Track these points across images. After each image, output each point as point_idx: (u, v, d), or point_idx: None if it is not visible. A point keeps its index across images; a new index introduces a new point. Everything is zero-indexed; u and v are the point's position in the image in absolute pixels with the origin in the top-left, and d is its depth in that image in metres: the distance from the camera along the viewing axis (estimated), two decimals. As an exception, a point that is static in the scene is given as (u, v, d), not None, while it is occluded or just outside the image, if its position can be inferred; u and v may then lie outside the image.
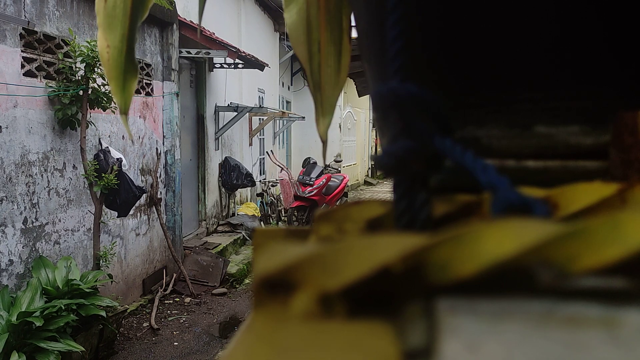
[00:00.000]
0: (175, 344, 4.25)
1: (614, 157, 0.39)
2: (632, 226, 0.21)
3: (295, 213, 8.15)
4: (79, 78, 3.84)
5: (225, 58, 6.75)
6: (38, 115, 3.62)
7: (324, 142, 0.60)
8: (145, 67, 5.09)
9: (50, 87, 3.70)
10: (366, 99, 16.03)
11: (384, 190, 14.98)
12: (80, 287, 3.42)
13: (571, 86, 0.42)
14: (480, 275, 0.21)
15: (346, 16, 0.56)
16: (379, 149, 11.99)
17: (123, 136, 4.69)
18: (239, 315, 4.94)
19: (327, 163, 9.50)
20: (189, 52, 6.01)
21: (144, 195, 4.90)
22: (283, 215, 8.80)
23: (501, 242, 0.22)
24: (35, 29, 3.55)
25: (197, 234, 6.87)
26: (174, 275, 5.48)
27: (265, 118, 9.06)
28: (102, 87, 3.90)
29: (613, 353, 0.18)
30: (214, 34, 6.47)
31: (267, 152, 9.66)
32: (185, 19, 5.90)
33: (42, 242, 3.67)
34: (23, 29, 3.46)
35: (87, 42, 3.77)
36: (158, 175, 5.40)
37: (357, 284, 0.22)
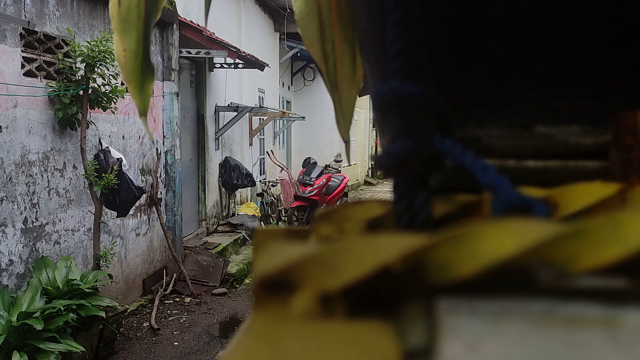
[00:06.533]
0: (176, 344, 4.25)
1: (614, 157, 0.39)
2: (632, 226, 0.21)
3: (296, 213, 8.15)
4: (79, 78, 3.84)
5: (225, 58, 6.75)
6: (38, 115, 3.62)
7: (347, 142, 0.59)
8: (145, 67, 5.08)
9: (51, 87, 3.70)
10: (366, 99, 16.02)
11: (384, 190, 14.97)
12: (80, 287, 3.42)
13: (571, 86, 0.42)
14: (480, 275, 0.21)
15: None
16: (379, 149, 12.00)
17: (123, 136, 4.69)
18: (239, 315, 4.94)
19: (327, 163, 9.51)
20: (189, 52, 6.01)
21: (144, 195, 4.90)
22: (283, 215, 8.80)
23: (501, 242, 0.22)
24: (35, 29, 3.55)
25: (197, 234, 6.87)
26: (174, 275, 5.48)
27: (265, 118, 9.06)
28: (102, 87, 3.90)
29: (613, 353, 0.18)
30: (214, 34, 6.47)
31: (267, 152, 9.66)
32: (185, 19, 5.90)
33: (42, 242, 3.67)
34: (23, 29, 3.46)
35: (87, 42, 3.77)
36: (158, 175, 5.40)
37: (357, 284, 0.22)
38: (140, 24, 0.56)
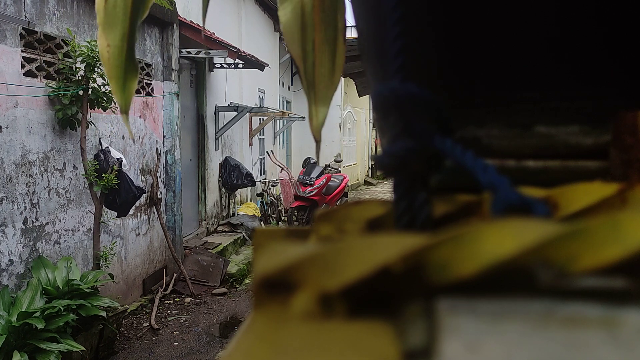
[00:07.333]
0: (176, 344, 4.25)
1: (614, 157, 0.39)
2: (632, 226, 0.21)
3: (295, 213, 8.15)
4: (79, 78, 3.84)
5: (225, 58, 6.75)
6: (38, 115, 3.62)
7: (318, 141, 0.59)
8: (145, 67, 5.09)
9: (51, 87, 3.70)
10: (366, 99, 16.03)
11: (384, 190, 14.97)
12: (80, 287, 3.42)
13: (571, 86, 0.42)
14: (480, 275, 0.21)
15: (341, 16, 0.56)
16: (379, 149, 11.99)
17: (123, 136, 4.69)
18: (239, 315, 4.94)
19: (327, 163, 9.52)
20: (189, 52, 6.01)
21: (144, 195, 4.90)
22: (283, 215, 8.80)
23: (501, 242, 0.22)
24: (35, 29, 3.55)
25: (197, 234, 6.87)
26: (174, 275, 5.48)
27: (265, 118, 9.06)
28: (102, 87, 3.90)
29: (613, 353, 0.18)
30: (214, 34, 6.47)
31: (267, 152, 9.66)
32: (185, 19, 5.90)
33: (42, 242, 3.67)
34: (23, 29, 3.46)
35: (87, 42, 3.77)
36: (158, 175, 5.40)
37: (357, 284, 0.22)
38: (126, 20, 0.56)
